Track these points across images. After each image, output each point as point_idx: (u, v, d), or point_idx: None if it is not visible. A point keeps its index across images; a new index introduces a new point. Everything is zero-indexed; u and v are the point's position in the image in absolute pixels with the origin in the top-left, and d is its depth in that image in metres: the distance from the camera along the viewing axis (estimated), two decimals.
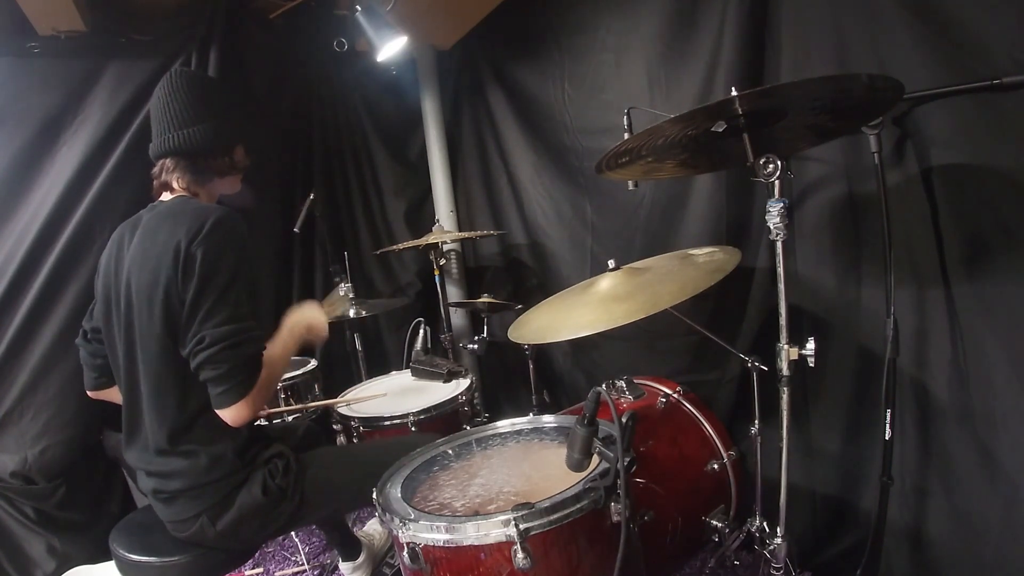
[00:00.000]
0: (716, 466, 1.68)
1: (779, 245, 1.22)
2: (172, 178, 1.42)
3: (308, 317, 1.56)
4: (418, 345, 2.37)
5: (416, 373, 2.27)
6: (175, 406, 1.31)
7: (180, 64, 2.17)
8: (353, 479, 1.45)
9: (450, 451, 1.44)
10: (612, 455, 1.06)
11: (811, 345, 1.24)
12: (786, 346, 1.25)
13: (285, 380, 2.21)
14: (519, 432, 1.50)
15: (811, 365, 1.25)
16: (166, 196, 1.43)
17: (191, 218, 1.28)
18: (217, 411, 1.28)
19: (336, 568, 2.02)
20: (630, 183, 1.64)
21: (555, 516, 1.04)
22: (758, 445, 1.57)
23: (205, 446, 1.32)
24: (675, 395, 1.80)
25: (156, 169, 1.44)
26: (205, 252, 1.24)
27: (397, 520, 1.10)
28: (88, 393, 1.60)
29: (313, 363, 2.38)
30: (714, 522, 1.63)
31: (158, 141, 1.41)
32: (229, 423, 1.29)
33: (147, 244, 1.31)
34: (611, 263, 1.58)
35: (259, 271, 2.69)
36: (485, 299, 2.38)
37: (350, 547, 1.97)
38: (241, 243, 1.31)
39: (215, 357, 1.23)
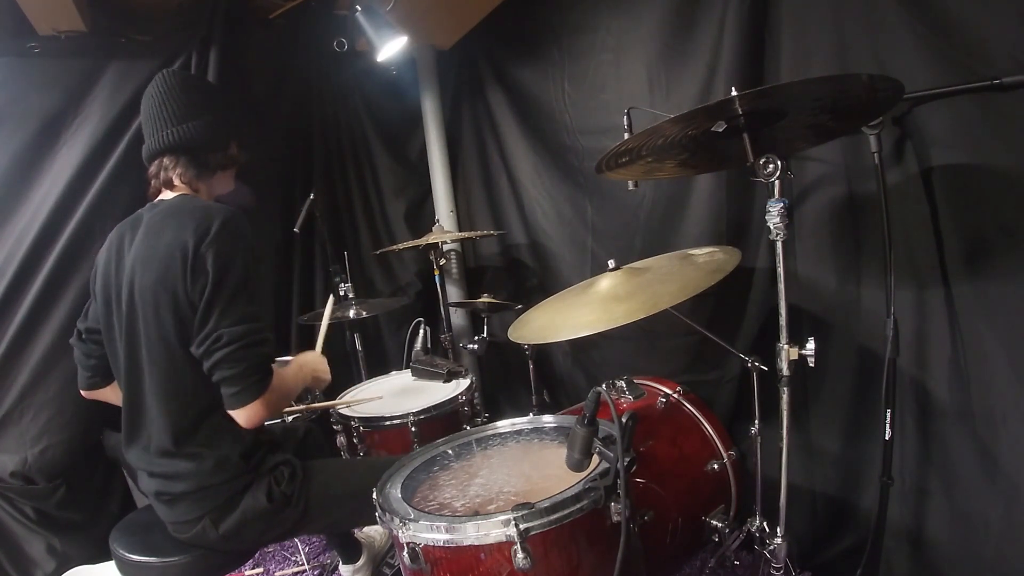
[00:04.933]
0: (716, 466, 1.68)
1: (779, 245, 1.22)
2: (174, 175, 1.41)
3: (315, 363, 1.58)
4: (418, 345, 2.37)
5: (416, 373, 2.27)
6: (181, 408, 1.31)
7: (180, 64, 2.18)
8: (359, 492, 1.41)
9: (450, 451, 1.44)
10: (612, 455, 1.06)
11: (811, 345, 1.24)
12: (786, 346, 1.25)
13: None
14: (519, 432, 1.50)
15: (811, 365, 1.25)
16: (166, 195, 1.42)
17: (198, 218, 1.27)
18: (231, 412, 1.27)
19: (336, 568, 2.02)
20: (630, 183, 1.64)
21: (555, 516, 1.04)
22: (758, 445, 1.57)
23: (210, 449, 1.32)
24: (675, 395, 1.80)
25: (153, 168, 1.43)
26: (216, 253, 1.24)
27: (397, 520, 1.10)
28: (82, 393, 1.60)
29: None
30: (714, 522, 1.63)
31: (154, 139, 1.40)
32: (243, 424, 1.28)
33: (151, 244, 1.30)
34: (611, 263, 1.58)
35: (260, 271, 2.69)
36: (485, 299, 2.38)
37: (351, 549, 1.96)
38: (249, 243, 1.31)
39: (232, 356, 1.23)
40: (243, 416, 1.27)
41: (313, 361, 1.58)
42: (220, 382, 1.25)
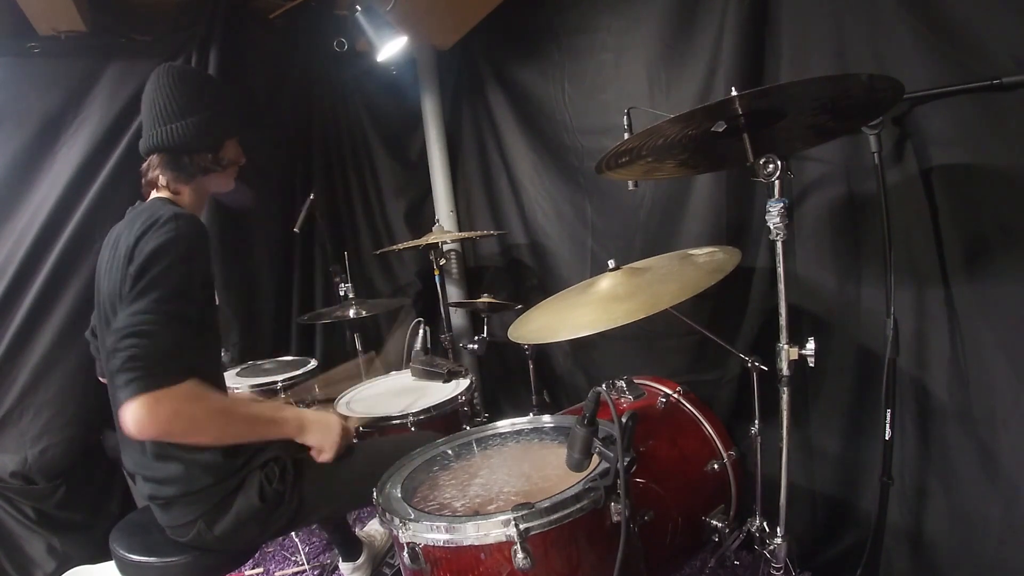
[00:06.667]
0: (716, 466, 1.68)
1: (779, 245, 1.22)
2: (159, 175, 1.39)
3: (322, 422, 1.41)
4: (418, 345, 2.37)
5: (416, 373, 2.27)
6: None
7: (180, 63, 2.18)
8: (353, 479, 1.43)
9: (450, 451, 1.44)
10: (612, 455, 1.05)
11: (811, 345, 1.24)
12: (786, 346, 1.25)
13: (285, 381, 2.21)
14: (519, 432, 1.50)
15: (811, 365, 1.25)
16: (151, 196, 1.41)
17: (146, 219, 1.22)
18: (118, 411, 1.10)
19: (336, 568, 2.02)
20: (630, 183, 1.64)
21: (555, 516, 1.04)
22: (758, 445, 1.57)
23: (195, 452, 1.29)
24: (675, 395, 1.80)
25: (144, 167, 1.42)
26: (146, 247, 1.18)
27: (397, 520, 1.10)
28: (100, 379, 1.60)
29: (313, 363, 2.38)
30: (714, 522, 1.63)
31: (145, 137, 1.39)
32: (125, 426, 1.08)
33: (114, 252, 1.29)
34: (611, 263, 1.58)
35: (259, 271, 2.70)
36: (485, 299, 2.38)
37: (351, 547, 1.97)
38: (190, 243, 1.21)
39: (122, 344, 1.08)
40: (127, 415, 1.07)
41: (323, 420, 1.40)
42: (113, 375, 1.13)
